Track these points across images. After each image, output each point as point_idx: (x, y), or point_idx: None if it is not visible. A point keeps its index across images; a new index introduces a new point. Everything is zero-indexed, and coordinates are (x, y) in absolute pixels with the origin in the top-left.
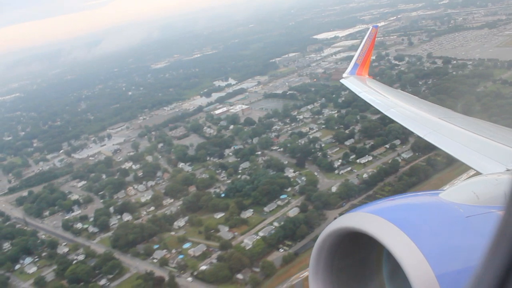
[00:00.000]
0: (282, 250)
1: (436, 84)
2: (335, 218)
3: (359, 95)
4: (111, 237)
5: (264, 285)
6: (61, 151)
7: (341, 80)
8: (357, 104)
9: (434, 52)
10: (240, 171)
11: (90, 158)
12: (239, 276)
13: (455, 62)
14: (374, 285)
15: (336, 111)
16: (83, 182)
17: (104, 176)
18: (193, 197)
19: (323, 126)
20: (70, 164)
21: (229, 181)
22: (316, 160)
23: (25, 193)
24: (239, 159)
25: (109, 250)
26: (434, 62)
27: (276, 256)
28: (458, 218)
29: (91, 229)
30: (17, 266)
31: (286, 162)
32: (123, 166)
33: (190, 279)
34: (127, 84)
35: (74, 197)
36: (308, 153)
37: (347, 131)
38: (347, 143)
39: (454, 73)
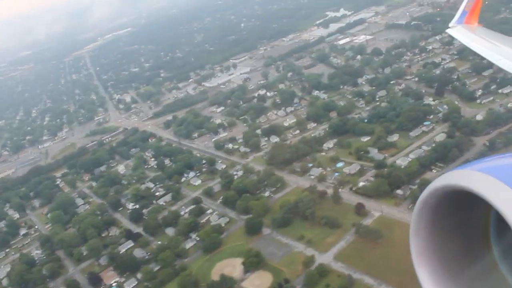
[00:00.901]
0: (435, 171)
1: None
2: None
3: (468, 45)
4: (265, 156)
5: None
6: (190, 80)
7: (447, 30)
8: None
9: None
10: (377, 99)
11: (221, 86)
12: (398, 191)
13: None
14: (479, 246)
15: None
16: (221, 108)
17: (241, 103)
18: (340, 121)
19: (456, 56)
20: (204, 92)
21: (368, 108)
22: (455, 90)
23: (169, 117)
24: (374, 87)
25: (266, 167)
26: None
27: (430, 176)
28: None
29: (243, 149)
30: (183, 179)
31: (424, 91)
32: (256, 94)
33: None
34: (236, 16)
35: (217, 121)
36: (445, 83)
37: (484, 61)
38: (485, 73)
39: None
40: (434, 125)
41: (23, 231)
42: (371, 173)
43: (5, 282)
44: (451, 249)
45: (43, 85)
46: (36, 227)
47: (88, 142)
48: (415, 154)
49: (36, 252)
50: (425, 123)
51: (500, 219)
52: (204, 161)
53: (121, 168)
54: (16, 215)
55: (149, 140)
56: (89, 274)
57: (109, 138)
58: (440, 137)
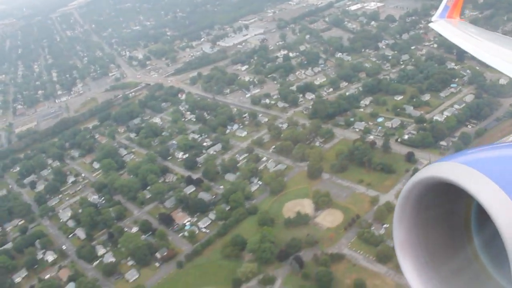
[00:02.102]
0: (470, 127)
1: None
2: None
3: (451, 40)
4: (306, 110)
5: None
6: (202, 39)
7: (429, 24)
8: (501, 5)
9: None
10: (401, 62)
11: (238, 46)
12: (442, 143)
13: None
14: (461, 237)
15: (478, 12)
16: (245, 66)
17: (264, 62)
18: (373, 80)
19: None
20: (221, 51)
21: (394, 71)
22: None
23: (191, 74)
24: (396, 52)
25: (312, 120)
26: None
27: (467, 130)
28: None
29: (281, 104)
30: (227, 131)
31: (445, 56)
32: (279, 54)
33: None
34: None
35: (246, 78)
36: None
37: (499, 31)
38: None
39: None
40: (460, 87)
41: (71, 179)
42: (412, 127)
43: (70, 223)
44: (434, 240)
45: (36, 41)
46: (83, 175)
47: (109, 96)
48: (449, 112)
49: (94, 197)
50: (452, 85)
51: (481, 211)
52: (245, 115)
53: (157, 121)
54: (57, 164)
55: (179, 95)
56: (160, 215)
57: (133, 93)
58: (469, 98)
